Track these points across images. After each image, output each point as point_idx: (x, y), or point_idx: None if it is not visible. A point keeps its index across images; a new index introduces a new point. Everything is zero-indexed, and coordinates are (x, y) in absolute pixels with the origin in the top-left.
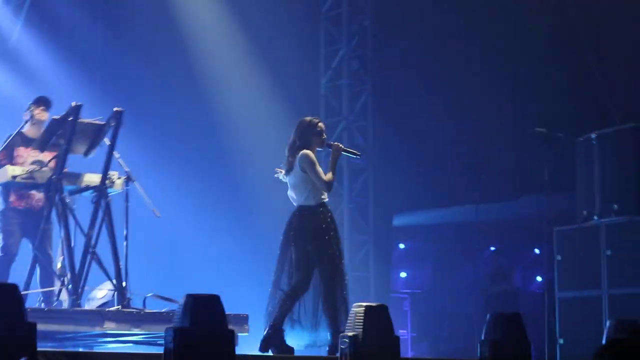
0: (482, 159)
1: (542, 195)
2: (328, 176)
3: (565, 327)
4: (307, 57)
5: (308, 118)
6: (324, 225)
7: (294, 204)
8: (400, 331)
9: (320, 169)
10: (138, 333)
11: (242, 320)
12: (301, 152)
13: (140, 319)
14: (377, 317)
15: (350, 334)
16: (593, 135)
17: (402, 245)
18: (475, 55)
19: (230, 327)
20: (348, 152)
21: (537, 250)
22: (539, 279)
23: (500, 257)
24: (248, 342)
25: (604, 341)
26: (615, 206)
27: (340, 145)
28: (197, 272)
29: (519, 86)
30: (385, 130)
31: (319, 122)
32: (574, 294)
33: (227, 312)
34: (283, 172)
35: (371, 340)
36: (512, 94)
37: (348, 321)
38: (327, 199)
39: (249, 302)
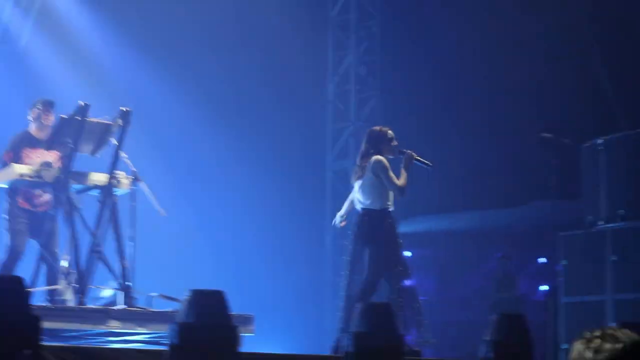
0: (489, 165)
1: (549, 201)
2: (401, 181)
3: (569, 332)
4: (315, 62)
5: (378, 127)
6: (385, 230)
7: (357, 207)
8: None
9: (393, 174)
10: (143, 332)
11: (248, 320)
12: (374, 158)
13: (145, 318)
14: (381, 315)
15: (353, 331)
16: (599, 141)
17: (407, 253)
18: (484, 61)
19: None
20: (420, 161)
21: (542, 259)
22: (543, 287)
23: (506, 263)
24: (254, 343)
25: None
26: (622, 212)
27: (413, 154)
28: (203, 272)
29: (527, 91)
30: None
31: (389, 130)
32: (579, 299)
33: (232, 312)
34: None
35: (375, 338)
36: (519, 99)
37: (353, 319)
38: (391, 207)
39: (256, 304)
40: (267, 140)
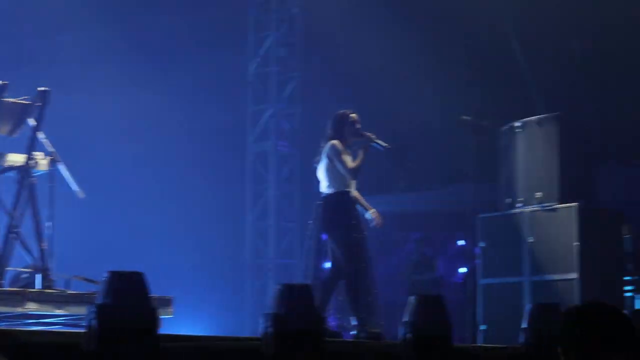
0: (409, 147)
1: (467, 184)
2: (353, 163)
3: (487, 313)
4: (235, 43)
5: (342, 110)
6: (343, 214)
7: (320, 190)
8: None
9: (346, 158)
10: (61, 314)
11: (167, 302)
12: (329, 142)
13: (63, 300)
14: (301, 296)
15: (272, 312)
16: (517, 124)
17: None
18: (404, 44)
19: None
20: (378, 143)
21: (461, 242)
22: (462, 270)
23: (424, 245)
24: (173, 325)
25: (524, 325)
26: (538, 194)
27: (372, 136)
28: (122, 254)
29: (446, 74)
30: (312, 118)
31: (352, 113)
32: (497, 281)
33: (151, 294)
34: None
35: (294, 320)
36: (438, 82)
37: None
38: (350, 189)
39: (176, 286)
40: (187, 121)
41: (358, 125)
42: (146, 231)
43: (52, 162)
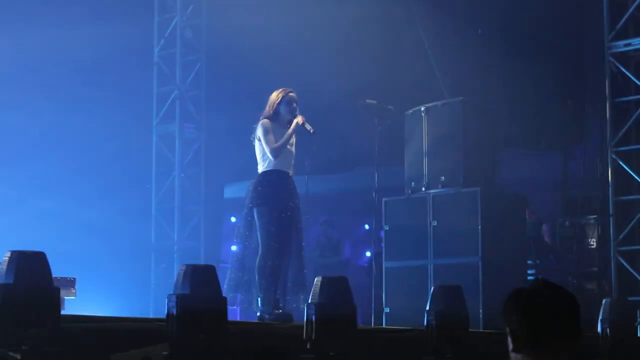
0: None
1: (373, 167)
2: (276, 144)
3: (392, 296)
4: (140, 25)
5: (280, 89)
6: (268, 192)
7: None
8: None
9: (271, 137)
10: None
11: (70, 283)
12: (259, 122)
13: None
14: (205, 277)
15: (176, 293)
16: (422, 108)
17: (233, 219)
18: (309, 24)
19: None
20: (305, 126)
21: (366, 226)
22: (367, 254)
23: (330, 228)
24: (76, 306)
25: (427, 307)
26: (442, 178)
27: (301, 118)
28: (24, 234)
29: (351, 56)
30: (217, 100)
31: (289, 92)
32: (401, 264)
33: (53, 274)
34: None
35: (198, 300)
36: (342, 64)
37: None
38: (284, 167)
39: (79, 267)
40: (93, 102)
41: (294, 104)
42: (50, 213)
43: None
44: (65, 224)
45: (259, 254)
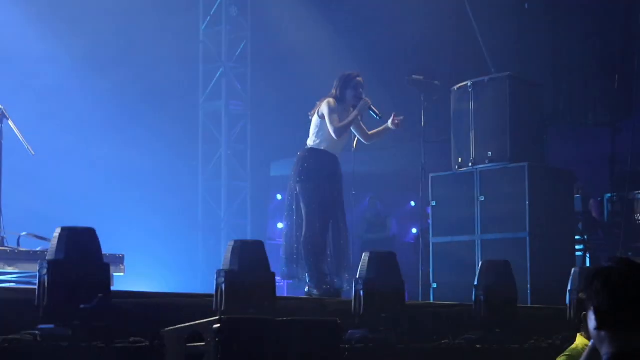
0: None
1: (419, 143)
2: (340, 123)
3: (439, 272)
4: (185, 3)
5: (349, 71)
6: (321, 170)
7: None
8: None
9: (335, 117)
10: (12, 272)
11: (119, 260)
12: (324, 99)
13: (14, 257)
14: (253, 252)
15: (224, 269)
16: (469, 83)
17: (279, 196)
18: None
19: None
20: (373, 110)
21: (413, 203)
22: (414, 230)
23: (377, 204)
24: (125, 282)
25: (475, 282)
26: (490, 153)
27: (368, 102)
28: (73, 211)
29: (397, 33)
30: (264, 77)
31: (357, 76)
32: (448, 240)
33: (103, 251)
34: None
35: (247, 275)
36: (389, 41)
37: (225, 258)
38: (334, 150)
39: (128, 244)
40: (139, 81)
41: (361, 89)
42: (98, 190)
43: (1, 118)
44: (112, 201)
45: (303, 230)
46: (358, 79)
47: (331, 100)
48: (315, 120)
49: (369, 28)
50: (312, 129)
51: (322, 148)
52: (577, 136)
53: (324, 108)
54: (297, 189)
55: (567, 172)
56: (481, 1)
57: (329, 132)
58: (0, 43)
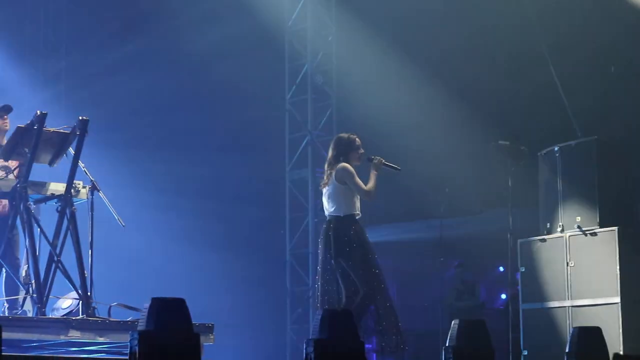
0: (446, 172)
1: (506, 209)
2: (369, 186)
3: (530, 338)
4: (272, 72)
5: (346, 134)
6: (355, 236)
7: (326, 213)
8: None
9: (359, 180)
10: (103, 342)
11: (208, 329)
12: (340, 165)
13: (105, 327)
14: (342, 321)
15: (314, 338)
16: (556, 148)
17: None
18: (437, 67)
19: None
20: (389, 166)
21: (501, 268)
22: (503, 296)
23: (465, 271)
24: (214, 352)
25: (567, 349)
26: (578, 218)
27: (382, 160)
28: (162, 281)
29: (483, 100)
30: None
31: (356, 137)
32: (538, 305)
33: (193, 321)
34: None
35: (336, 344)
36: (476, 107)
37: (314, 326)
38: (358, 214)
39: (216, 314)
40: (228, 151)
41: (362, 150)
42: (186, 260)
43: (92, 191)
44: (200, 270)
45: (361, 298)
46: (357, 139)
47: (347, 165)
48: (335, 188)
49: (452, 99)
50: (335, 197)
51: (352, 213)
52: None
53: (344, 175)
54: (343, 260)
55: None
56: (566, 65)
57: (353, 197)
58: None
